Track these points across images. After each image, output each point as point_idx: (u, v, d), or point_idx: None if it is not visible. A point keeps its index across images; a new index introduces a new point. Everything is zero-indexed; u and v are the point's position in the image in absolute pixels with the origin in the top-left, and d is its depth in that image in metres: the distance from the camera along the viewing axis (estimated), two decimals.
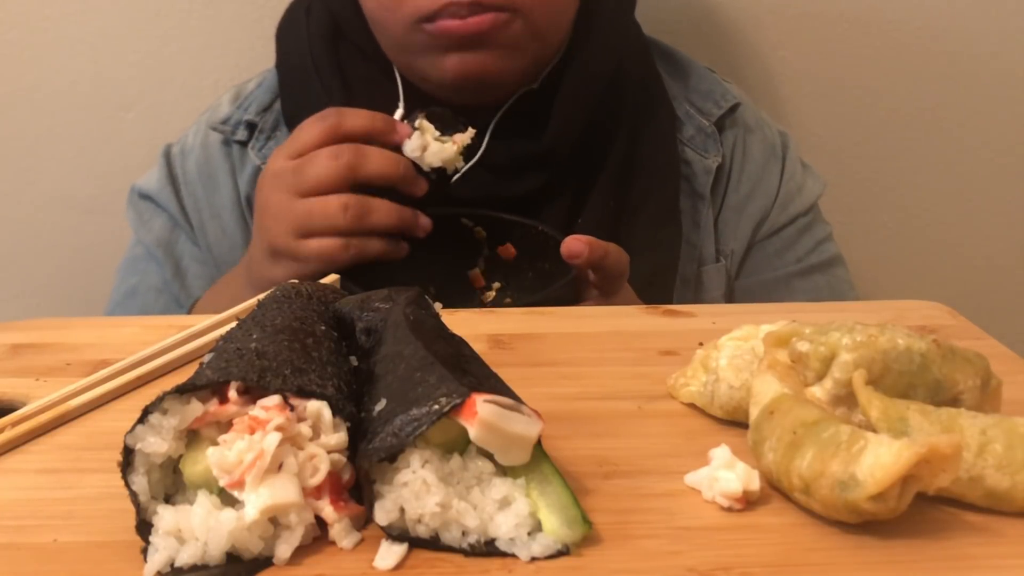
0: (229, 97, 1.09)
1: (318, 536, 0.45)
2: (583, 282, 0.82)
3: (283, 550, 0.44)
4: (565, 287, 0.80)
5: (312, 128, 0.82)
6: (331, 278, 0.76)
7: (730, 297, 1.04)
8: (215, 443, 0.45)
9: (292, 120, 1.01)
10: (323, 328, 0.54)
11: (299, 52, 1.01)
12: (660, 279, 0.97)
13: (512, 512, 0.45)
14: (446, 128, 0.85)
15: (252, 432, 0.44)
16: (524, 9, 0.88)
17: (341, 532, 0.45)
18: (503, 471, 0.46)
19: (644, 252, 0.91)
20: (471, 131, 0.86)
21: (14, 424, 0.56)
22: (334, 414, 0.46)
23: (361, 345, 0.55)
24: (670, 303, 0.97)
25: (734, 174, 1.05)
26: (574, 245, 0.77)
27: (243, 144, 1.04)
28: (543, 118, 0.95)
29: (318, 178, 0.81)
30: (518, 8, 0.88)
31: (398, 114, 0.88)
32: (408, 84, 0.97)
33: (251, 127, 1.04)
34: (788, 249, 1.06)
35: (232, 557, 0.44)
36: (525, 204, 0.94)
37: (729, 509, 0.48)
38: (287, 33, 1.04)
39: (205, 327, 0.69)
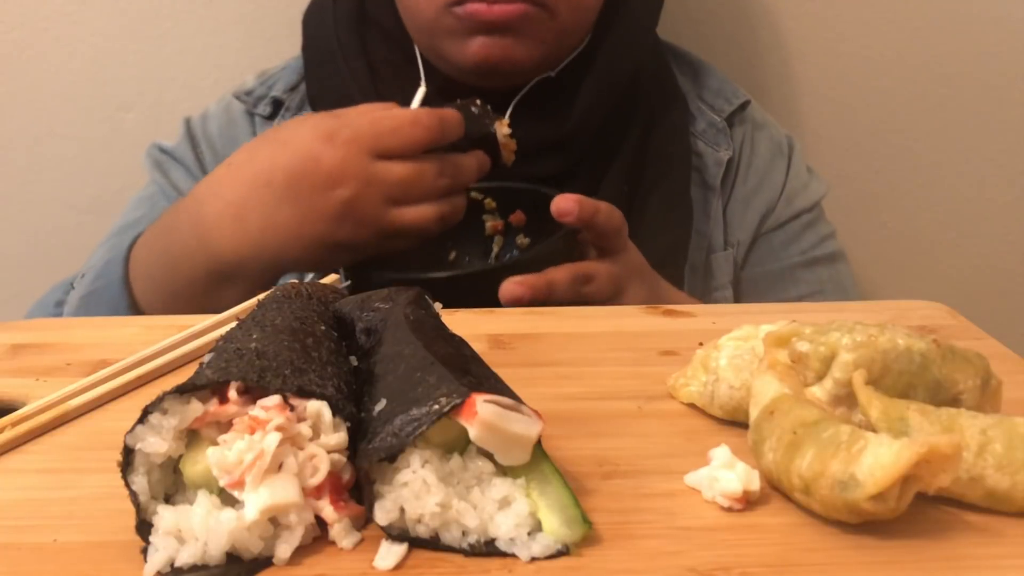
0: (254, 75, 1.12)
1: (318, 536, 0.45)
2: (585, 243, 0.84)
3: (283, 550, 0.44)
4: (562, 240, 0.82)
5: (413, 133, 0.81)
6: (331, 278, 0.76)
7: (737, 287, 1.06)
8: (215, 443, 0.45)
9: (317, 101, 1.05)
10: (323, 328, 0.54)
11: (325, 35, 1.04)
12: (670, 260, 0.98)
13: (512, 512, 0.45)
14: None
15: (252, 432, 0.44)
16: (551, 4, 0.92)
17: (341, 532, 0.45)
18: (503, 471, 0.46)
19: (655, 234, 0.94)
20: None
21: (14, 424, 0.56)
22: (334, 414, 0.46)
23: (361, 345, 0.55)
24: (680, 288, 0.99)
25: (742, 168, 1.08)
26: (563, 203, 0.80)
27: (265, 118, 1.07)
28: (562, 106, 0.98)
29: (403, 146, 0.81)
30: (545, 2, 0.91)
31: (419, 94, 0.92)
32: (429, 67, 1.01)
33: (277, 104, 1.07)
34: (793, 242, 1.08)
35: (232, 557, 0.44)
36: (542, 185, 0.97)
37: (729, 509, 0.48)
38: (314, 17, 1.07)
39: (205, 327, 0.69)
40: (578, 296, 0.80)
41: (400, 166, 0.81)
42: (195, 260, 0.83)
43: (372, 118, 0.82)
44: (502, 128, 0.89)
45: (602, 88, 0.99)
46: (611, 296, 0.83)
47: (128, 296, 0.86)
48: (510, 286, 0.78)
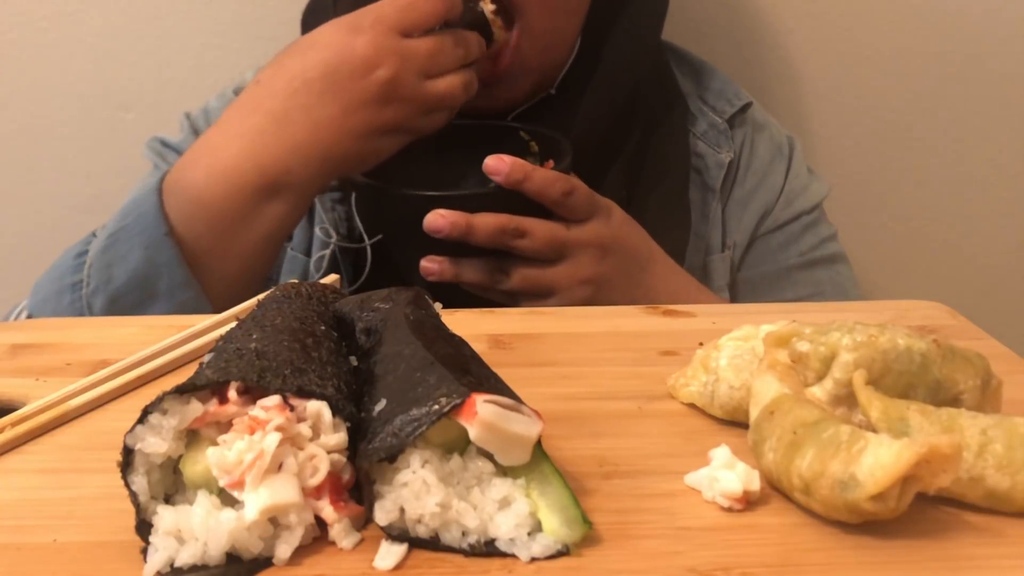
0: (253, 71, 1.11)
1: (318, 536, 0.45)
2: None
3: (283, 550, 0.44)
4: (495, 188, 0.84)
5: (428, 5, 0.84)
6: (331, 278, 0.76)
7: (733, 288, 1.06)
8: (215, 443, 0.45)
9: None
10: (323, 328, 0.54)
11: None
12: None
13: (512, 512, 0.45)
14: None
15: (252, 432, 0.44)
16: (518, 8, 0.91)
17: (341, 532, 0.45)
18: (503, 471, 0.46)
19: (653, 236, 0.93)
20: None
21: (14, 424, 0.56)
22: (334, 414, 0.46)
23: (361, 345, 0.55)
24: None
25: (741, 169, 1.08)
26: (493, 163, 0.83)
27: None
28: (562, 118, 0.98)
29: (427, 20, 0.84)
30: (511, 10, 0.91)
31: None
32: None
33: None
34: (791, 244, 1.07)
35: (232, 557, 0.44)
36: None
37: (729, 509, 0.48)
38: (313, 18, 1.06)
39: (205, 327, 0.69)
40: (506, 248, 0.83)
41: (424, 39, 0.83)
42: (243, 174, 0.83)
43: (388, 0, 0.84)
44: (487, 6, 0.91)
45: (604, 102, 0.99)
46: (550, 258, 0.85)
47: (165, 223, 0.84)
48: (432, 216, 0.82)
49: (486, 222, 0.82)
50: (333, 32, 0.84)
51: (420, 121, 0.86)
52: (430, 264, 0.86)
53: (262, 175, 0.83)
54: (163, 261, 0.82)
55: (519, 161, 0.83)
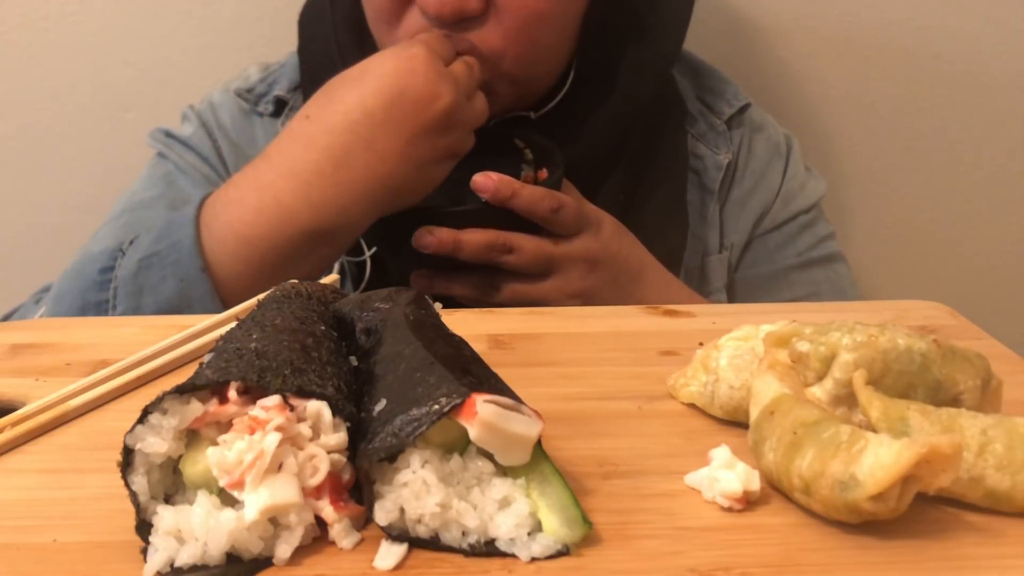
0: (256, 69, 1.11)
1: (318, 536, 0.46)
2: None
3: (283, 550, 0.44)
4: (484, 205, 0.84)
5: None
6: (331, 278, 0.76)
7: (730, 289, 1.06)
8: (215, 443, 0.45)
9: None
10: (323, 328, 0.54)
11: (324, 37, 1.02)
12: (666, 266, 0.98)
13: (512, 512, 0.45)
14: None
15: (252, 432, 0.45)
16: (493, 58, 0.89)
17: (341, 532, 0.45)
18: (503, 471, 0.46)
19: (651, 242, 0.94)
20: None
21: (14, 424, 0.56)
22: (334, 414, 0.46)
23: (361, 345, 0.55)
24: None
25: (739, 170, 1.07)
26: (480, 180, 0.83)
27: (268, 116, 1.06)
28: (561, 134, 0.97)
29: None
30: (485, 57, 0.89)
31: None
32: None
33: (280, 103, 1.07)
34: (788, 244, 1.07)
35: (232, 557, 0.44)
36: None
37: (729, 509, 0.48)
38: (311, 19, 1.06)
39: (205, 327, 0.69)
40: (495, 263, 0.84)
41: (459, 64, 0.85)
42: (295, 217, 0.80)
43: (420, 38, 0.84)
44: None
45: (611, 128, 0.99)
46: (538, 273, 0.86)
47: (201, 258, 0.80)
48: (420, 232, 0.83)
49: (474, 239, 0.83)
50: (388, 61, 0.82)
51: (464, 143, 0.86)
52: (420, 279, 0.87)
53: (315, 219, 0.80)
54: (197, 296, 0.80)
55: (506, 178, 0.83)
